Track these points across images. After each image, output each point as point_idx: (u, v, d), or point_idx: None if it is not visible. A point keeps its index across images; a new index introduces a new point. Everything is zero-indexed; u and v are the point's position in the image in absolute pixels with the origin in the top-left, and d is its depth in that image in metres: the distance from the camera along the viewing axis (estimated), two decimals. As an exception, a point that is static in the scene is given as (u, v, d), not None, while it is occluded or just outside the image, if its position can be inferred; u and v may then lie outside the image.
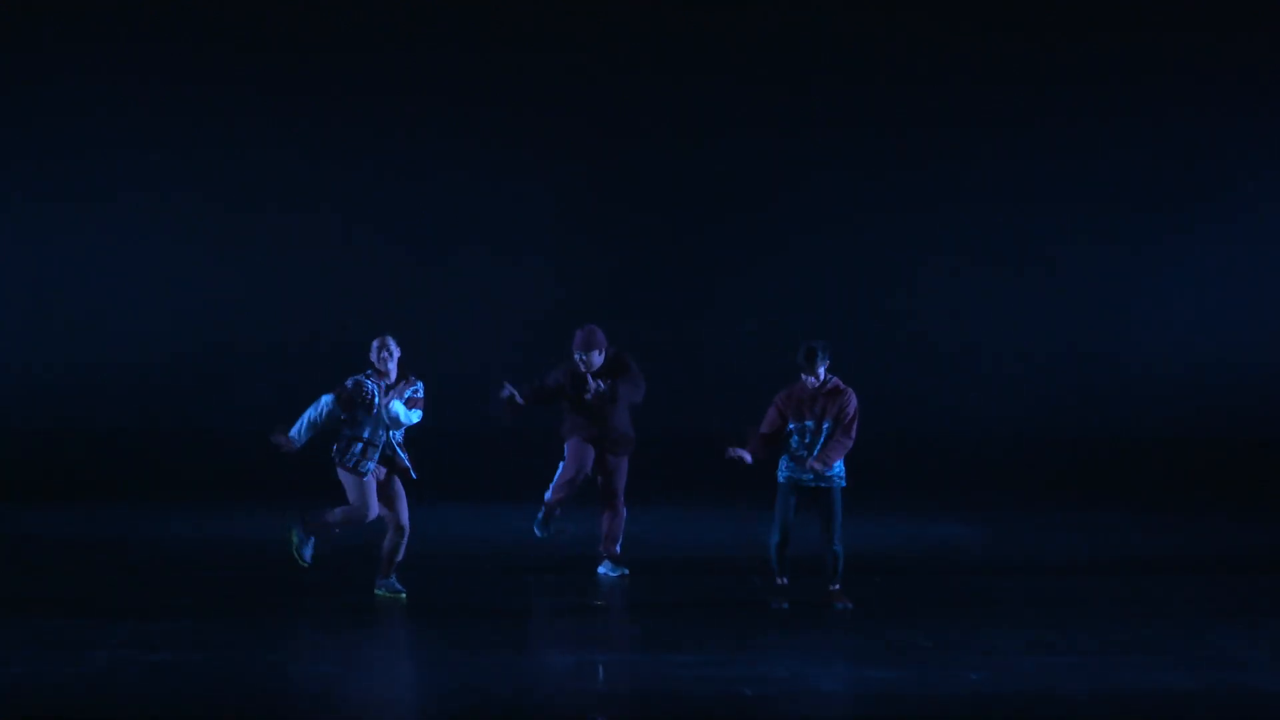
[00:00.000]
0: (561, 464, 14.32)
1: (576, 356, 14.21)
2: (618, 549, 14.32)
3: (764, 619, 12.44)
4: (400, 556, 13.15)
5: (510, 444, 17.63)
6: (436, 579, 13.85)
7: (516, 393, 14.03)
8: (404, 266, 20.29)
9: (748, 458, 12.81)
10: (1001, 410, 20.34)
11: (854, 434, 12.86)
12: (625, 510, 14.36)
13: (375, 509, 13.06)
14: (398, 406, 12.94)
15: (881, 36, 20.24)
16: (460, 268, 20.35)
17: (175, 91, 20.03)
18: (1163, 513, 18.44)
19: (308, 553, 13.22)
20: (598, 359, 14.19)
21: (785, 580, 12.86)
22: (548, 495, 14.31)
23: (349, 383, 13.08)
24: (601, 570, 14.27)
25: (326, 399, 13.07)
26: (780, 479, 12.90)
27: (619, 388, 14.09)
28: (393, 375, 13.12)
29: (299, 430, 13.02)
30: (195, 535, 16.53)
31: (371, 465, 13.00)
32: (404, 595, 13.09)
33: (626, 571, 14.21)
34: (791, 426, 12.86)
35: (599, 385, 14.07)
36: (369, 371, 13.12)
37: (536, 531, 14.33)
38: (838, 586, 12.84)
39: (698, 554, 15.54)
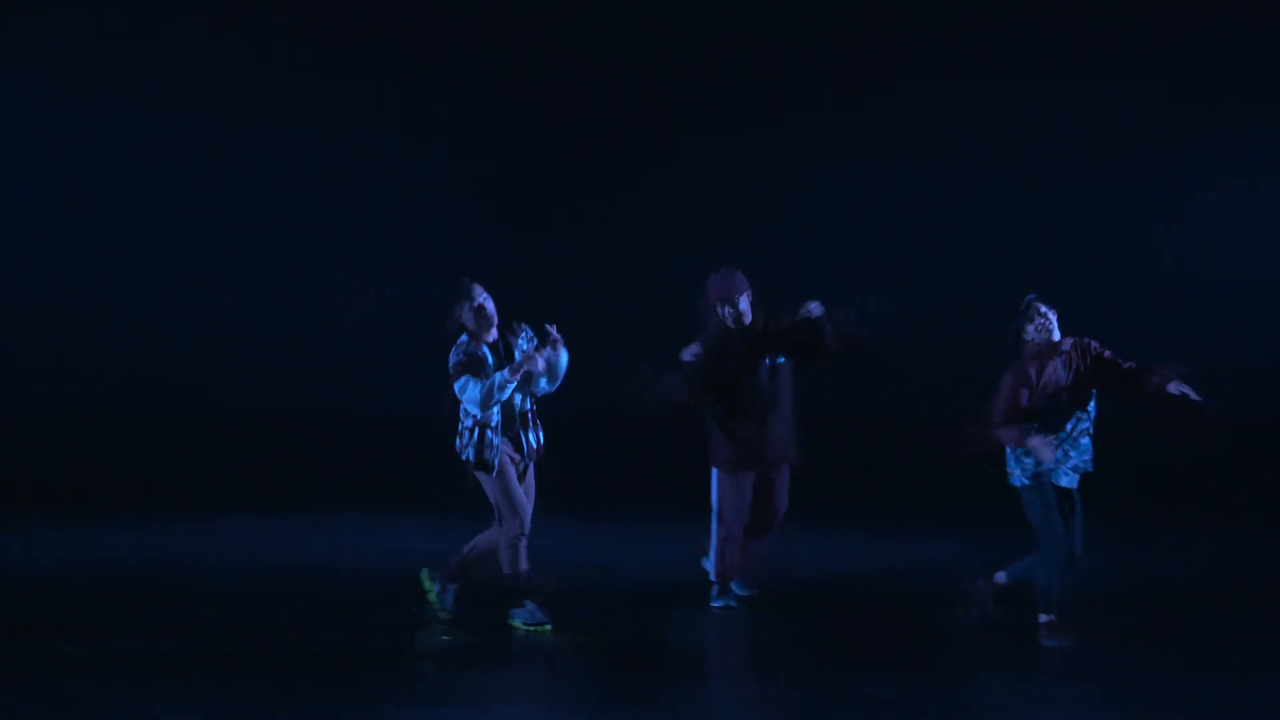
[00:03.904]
0: (713, 517, 10.98)
1: (722, 312, 10.85)
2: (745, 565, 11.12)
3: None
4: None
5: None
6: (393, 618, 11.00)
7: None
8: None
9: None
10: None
11: None
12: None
13: (527, 504, 10.39)
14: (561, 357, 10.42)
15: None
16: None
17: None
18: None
19: (449, 600, 10.73)
20: (746, 308, 10.80)
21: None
22: (710, 565, 11.06)
23: (461, 357, 10.31)
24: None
25: (490, 380, 10.23)
26: (1026, 479, 10.01)
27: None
28: (493, 337, 10.44)
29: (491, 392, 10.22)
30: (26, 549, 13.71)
31: (496, 448, 10.28)
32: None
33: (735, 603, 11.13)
34: (1057, 405, 9.99)
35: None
36: (464, 338, 10.43)
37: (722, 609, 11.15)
38: (1051, 617, 10.17)
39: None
